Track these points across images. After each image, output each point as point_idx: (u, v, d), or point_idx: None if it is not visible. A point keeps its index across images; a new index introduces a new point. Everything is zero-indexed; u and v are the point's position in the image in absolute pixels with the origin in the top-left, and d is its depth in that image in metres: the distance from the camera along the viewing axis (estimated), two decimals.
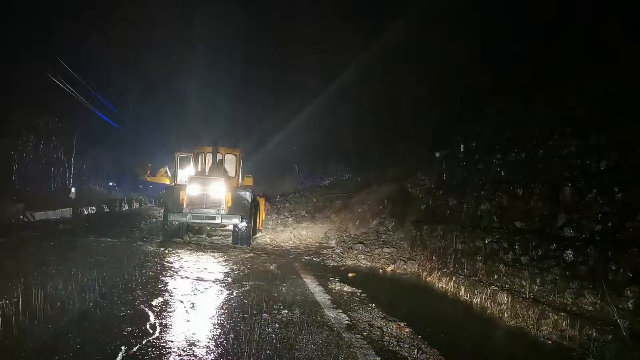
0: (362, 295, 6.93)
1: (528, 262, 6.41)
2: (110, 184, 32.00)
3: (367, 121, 22.73)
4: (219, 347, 3.99)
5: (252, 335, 4.31)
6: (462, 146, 10.41)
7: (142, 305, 5.13)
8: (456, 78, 15.69)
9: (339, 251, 11.63)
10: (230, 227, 12.05)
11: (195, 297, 5.84)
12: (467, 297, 7.46)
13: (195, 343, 4.04)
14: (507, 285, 6.79)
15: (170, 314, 4.95)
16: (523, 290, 6.38)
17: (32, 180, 20.54)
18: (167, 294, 5.85)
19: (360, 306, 6.18)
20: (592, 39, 9.83)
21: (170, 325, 4.54)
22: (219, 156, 13.15)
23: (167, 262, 8.34)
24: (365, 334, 4.85)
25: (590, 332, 4.93)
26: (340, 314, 5.52)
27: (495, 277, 7.14)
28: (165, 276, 7.04)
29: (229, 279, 7.20)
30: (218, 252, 10.37)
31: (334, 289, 7.17)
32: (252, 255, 10.29)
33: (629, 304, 4.70)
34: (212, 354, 3.80)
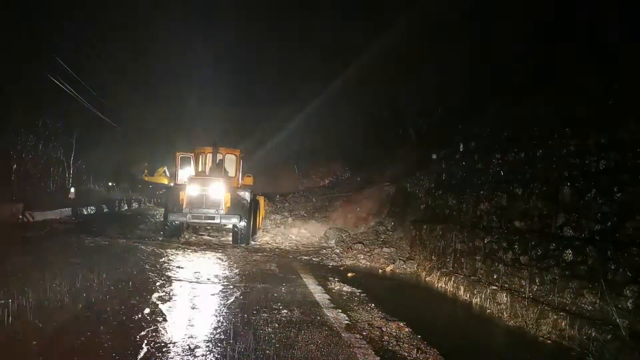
0: (362, 295, 6.93)
1: (527, 262, 6.41)
2: (110, 184, 31.95)
3: (366, 121, 22.74)
4: (218, 346, 3.98)
5: (252, 335, 4.31)
6: (461, 146, 10.42)
7: (141, 305, 5.12)
8: (456, 78, 15.69)
9: (338, 251, 11.63)
10: (230, 226, 12.10)
11: (194, 297, 5.83)
12: (466, 296, 7.46)
13: (194, 343, 4.03)
14: (506, 285, 6.79)
15: (169, 313, 4.94)
16: (522, 290, 6.38)
17: (32, 180, 20.52)
18: (165, 294, 5.84)
19: (360, 306, 6.18)
20: (592, 39, 9.83)
21: (169, 324, 4.53)
22: (219, 156, 13.23)
23: (167, 262, 8.34)
24: (364, 333, 4.85)
25: (589, 331, 4.93)
26: (339, 313, 5.52)
27: (495, 276, 7.14)
28: (163, 276, 7.03)
29: (228, 279, 7.20)
30: (217, 251, 10.36)
31: (334, 289, 7.17)
32: (252, 254, 10.29)
33: (629, 304, 4.70)
34: (212, 354, 3.79)
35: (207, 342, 4.07)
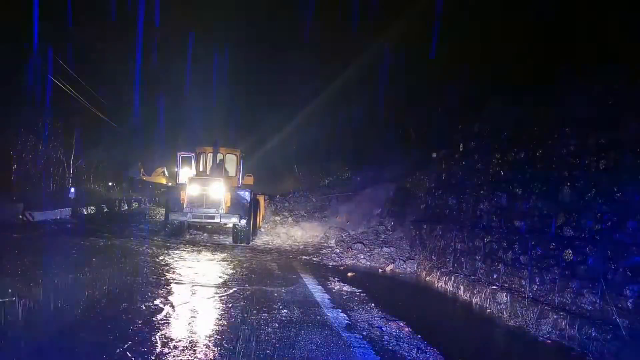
0: (362, 294, 6.93)
1: (527, 262, 6.41)
2: (110, 184, 31.95)
3: (366, 121, 22.74)
4: (218, 346, 3.98)
5: (252, 334, 4.30)
6: (461, 146, 10.42)
7: (141, 304, 5.13)
8: (456, 78, 15.68)
9: (338, 251, 11.63)
10: (231, 226, 12.15)
11: (193, 297, 5.83)
12: (466, 296, 7.46)
13: (194, 342, 4.04)
14: (506, 285, 6.79)
15: (168, 313, 4.94)
16: (522, 289, 6.38)
17: (32, 180, 20.50)
18: (165, 294, 5.84)
19: (360, 306, 6.18)
20: (592, 38, 9.82)
21: (169, 324, 4.54)
22: (220, 156, 13.28)
23: (167, 262, 8.34)
24: (364, 333, 4.85)
25: (589, 331, 4.94)
26: (339, 313, 5.52)
27: (495, 276, 7.15)
28: (163, 276, 7.03)
29: (228, 278, 7.20)
30: (218, 251, 10.37)
31: (334, 289, 7.17)
32: (252, 254, 10.30)
33: (629, 303, 4.70)
34: (211, 354, 3.79)
35: (206, 342, 4.07)
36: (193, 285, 6.52)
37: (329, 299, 6.29)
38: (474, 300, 7.18)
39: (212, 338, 4.20)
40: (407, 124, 19.30)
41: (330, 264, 10.31)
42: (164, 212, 14.68)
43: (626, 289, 4.76)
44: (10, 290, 4.71)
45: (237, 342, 4.08)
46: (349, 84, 22.83)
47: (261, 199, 14.76)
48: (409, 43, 18.70)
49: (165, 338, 4.09)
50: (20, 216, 13.32)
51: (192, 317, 4.89)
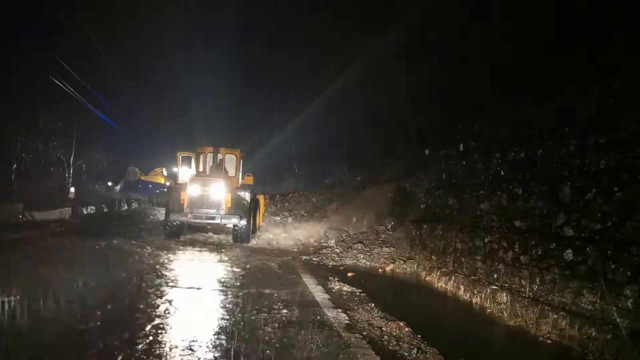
0: (362, 294, 6.93)
1: (527, 262, 6.41)
2: (109, 183, 31.95)
3: (366, 121, 22.74)
4: (218, 346, 3.98)
5: (251, 334, 4.31)
6: (461, 146, 10.42)
7: (141, 304, 5.13)
8: (456, 78, 15.68)
9: (338, 251, 11.63)
10: (231, 226, 12.16)
11: (193, 296, 5.83)
12: (466, 296, 7.46)
13: (194, 342, 4.04)
14: (506, 285, 6.79)
15: (169, 312, 4.95)
16: (522, 289, 6.38)
17: (32, 180, 20.51)
18: (164, 293, 5.84)
19: (360, 305, 6.18)
20: (592, 38, 9.82)
21: (168, 323, 4.54)
22: (220, 156, 13.29)
23: (167, 261, 8.34)
24: (364, 333, 4.85)
25: (589, 331, 4.94)
26: (339, 313, 5.52)
27: (495, 276, 7.15)
28: (163, 275, 7.03)
29: (228, 279, 7.20)
30: (218, 251, 10.37)
31: (334, 289, 7.17)
32: (252, 254, 10.30)
33: (629, 303, 4.70)
34: (211, 353, 3.79)
35: (206, 342, 4.07)
36: (192, 285, 6.52)
37: (329, 299, 6.29)
38: (474, 300, 7.18)
39: (212, 338, 4.19)
40: (407, 124, 19.30)
41: (330, 264, 10.31)
42: (163, 212, 14.71)
43: (626, 289, 4.76)
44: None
45: (236, 342, 4.08)
46: (349, 84, 22.84)
47: (261, 198, 14.77)
48: (409, 43, 18.70)
49: (165, 337, 4.09)
50: (20, 216, 13.33)
51: (191, 317, 4.89)
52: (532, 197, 6.87)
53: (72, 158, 24.74)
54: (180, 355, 3.72)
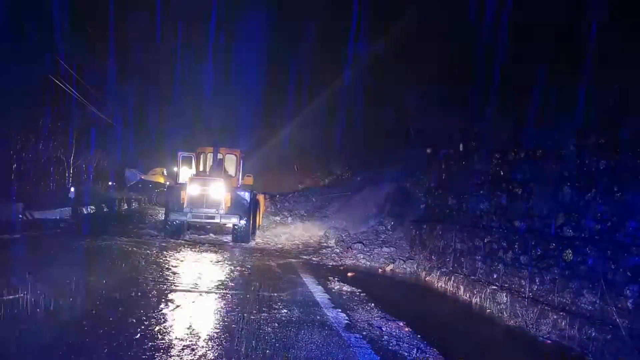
0: (362, 294, 6.93)
1: (527, 262, 6.41)
2: (110, 183, 31.95)
3: (366, 121, 22.74)
4: (217, 346, 3.98)
5: (251, 334, 4.31)
6: (461, 146, 10.43)
7: (138, 303, 5.13)
8: (456, 78, 15.68)
9: (338, 250, 11.63)
10: (230, 225, 12.18)
11: (193, 296, 5.83)
12: (466, 296, 7.46)
13: (193, 342, 4.03)
14: (506, 285, 6.79)
15: (168, 311, 4.94)
16: (522, 289, 6.38)
17: (32, 180, 20.50)
18: (164, 293, 5.84)
19: (360, 305, 6.18)
20: (592, 38, 9.82)
21: (168, 323, 4.54)
22: (220, 156, 13.32)
23: (166, 261, 8.34)
24: (364, 333, 4.85)
25: (589, 331, 4.94)
26: (339, 313, 5.52)
27: (495, 276, 7.15)
28: (163, 275, 7.03)
29: (228, 278, 7.20)
30: (217, 250, 10.37)
31: (333, 289, 7.17)
32: (251, 254, 10.30)
33: (628, 304, 4.70)
34: (211, 353, 3.79)
35: (206, 341, 4.07)
36: (192, 285, 6.52)
37: (328, 298, 6.29)
38: (473, 300, 7.18)
39: (211, 338, 4.19)
40: (407, 124, 19.31)
41: (330, 263, 10.31)
42: (163, 211, 14.71)
43: (626, 289, 4.76)
44: None
45: (236, 341, 4.07)
46: (350, 84, 22.86)
47: (261, 197, 14.79)
48: (409, 43, 18.70)
49: (164, 337, 4.09)
50: (20, 216, 13.32)
51: (191, 317, 4.89)
52: (532, 197, 6.87)
53: (72, 158, 24.74)
54: (180, 354, 3.72)
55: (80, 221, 14.80)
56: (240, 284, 6.77)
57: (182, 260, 8.68)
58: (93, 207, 19.09)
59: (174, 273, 7.35)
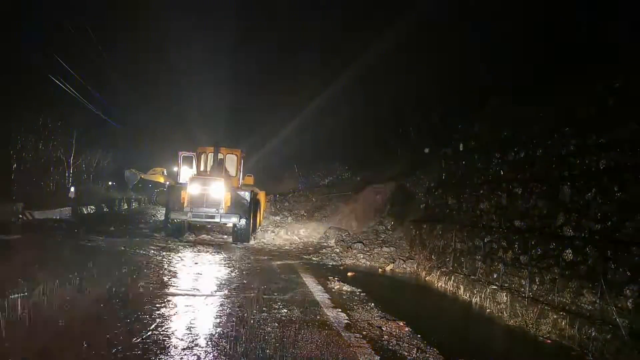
0: (362, 294, 6.93)
1: (527, 262, 6.41)
2: (110, 183, 31.97)
3: (366, 121, 22.76)
4: (217, 346, 3.98)
5: (251, 334, 4.31)
6: (461, 145, 10.43)
7: (138, 303, 5.13)
8: (456, 78, 15.70)
9: (338, 250, 11.63)
10: (231, 225, 12.20)
11: (192, 296, 5.83)
12: (466, 296, 7.46)
13: (193, 342, 4.04)
14: (506, 285, 6.79)
15: (167, 312, 4.95)
16: (522, 289, 6.38)
17: (32, 180, 20.51)
18: (164, 292, 5.84)
19: (360, 305, 6.18)
20: (592, 38, 9.83)
21: (168, 322, 4.54)
22: (220, 156, 13.35)
23: (166, 261, 8.34)
24: (364, 333, 4.85)
25: (589, 331, 4.93)
26: (339, 313, 5.52)
27: (495, 276, 7.14)
28: (163, 275, 7.04)
29: (228, 278, 7.20)
30: (217, 250, 10.38)
31: (333, 288, 7.17)
32: (251, 253, 10.30)
33: (628, 303, 4.70)
34: (211, 353, 3.79)
35: (206, 341, 4.07)
36: (192, 285, 6.53)
37: (328, 298, 6.29)
38: (473, 300, 7.17)
39: (211, 337, 4.19)
40: (407, 124, 19.31)
41: (330, 263, 10.31)
42: (163, 211, 14.73)
43: (626, 289, 4.76)
44: None
45: (236, 341, 4.07)
46: (350, 84, 22.86)
47: (262, 195, 14.81)
48: (409, 43, 18.70)
49: (164, 336, 4.09)
50: (20, 215, 13.33)
51: (191, 316, 4.89)
52: (532, 197, 6.86)
53: (72, 158, 24.75)
54: (179, 354, 3.72)
55: (80, 221, 14.81)
56: (240, 284, 6.77)
57: (181, 260, 8.68)
58: (93, 207, 19.11)
59: (173, 273, 7.35)
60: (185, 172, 13.33)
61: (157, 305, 5.19)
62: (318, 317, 5.21)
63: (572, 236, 5.89)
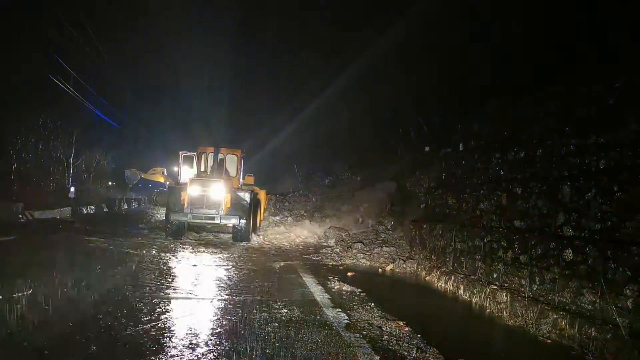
0: (362, 294, 6.93)
1: (527, 261, 6.40)
2: (110, 183, 31.98)
3: (366, 120, 22.75)
4: (217, 345, 3.98)
5: (251, 334, 4.31)
6: (461, 145, 10.42)
7: (138, 302, 5.13)
8: (456, 77, 15.69)
9: (338, 250, 11.63)
10: (231, 225, 12.22)
11: (192, 296, 5.83)
12: (466, 296, 7.46)
13: (193, 341, 4.04)
14: (506, 284, 6.78)
15: (167, 312, 4.95)
16: (522, 289, 6.38)
17: (32, 180, 20.52)
18: (163, 293, 5.84)
19: (360, 305, 6.18)
20: (592, 38, 9.83)
21: (168, 322, 4.54)
22: (220, 156, 13.36)
23: (167, 261, 8.34)
24: (364, 333, 4.85)
25: (589, 331, 4.93)
26: (339, 313, 5.52)
27: (495, 276, 7.14)
28: (163, 274, 7.04)
29: (227, 278, 7.20)
30: (217, 250, 10.38)
31: (333, 288, 7.17)
32: (251, 253, 10.30)
33: (629, 303, 4.70)
34: (212, 353, 3.79)
35: (206, 341, 4.07)
36: (192, 285, 6.53)
37: (328, 298, 6.29)
38: (473, 300, 7.17)
39: (211, 337, 4.19)
40: (407, 124, 19.30)
41: (330, 263, 10.31)
42: (163, 211, 14.74)
43: (626, 289, 4.75)
44: None
45: (236, 341, 4.08)
46: (350, 84, 22.87)
47: (263, 194, 14.82)
48: (409, 43, 18.70)
49: (164, 336, 4.09)
50: (20, 215, 13.34)
51: (190, 316, 4.89)
52: (532, 197, 6.86)
53: (72, 158, 24.75)
54: (179, 354, 3.72)
55: (80, 221, 14.81)
56: (240, 284, 6.77)
57: (181, 260, 8.68)
58: (93, 207, 19.13)
59: (173, 273, 7.35)
60: (186, 172, 13.36)
61: (157, 305, 5.19)
62: (318, 317, 5.21)
63: (572, 236, 5.89)
